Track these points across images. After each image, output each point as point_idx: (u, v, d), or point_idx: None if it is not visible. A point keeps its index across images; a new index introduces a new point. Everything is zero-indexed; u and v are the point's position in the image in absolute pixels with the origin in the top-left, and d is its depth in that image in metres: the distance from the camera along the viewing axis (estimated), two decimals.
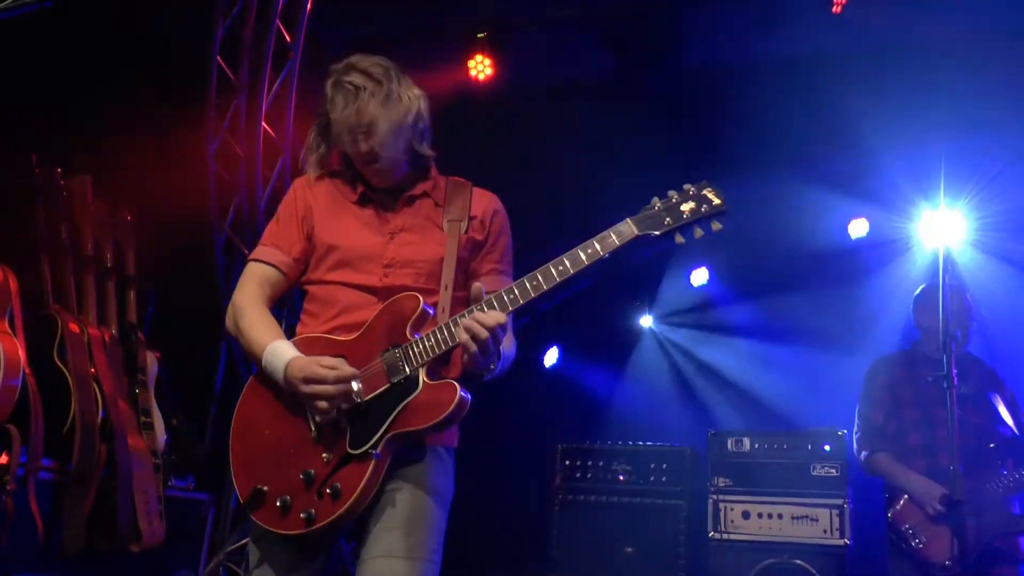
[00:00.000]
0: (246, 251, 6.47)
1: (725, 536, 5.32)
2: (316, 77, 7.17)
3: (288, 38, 6.49)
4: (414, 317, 2.44)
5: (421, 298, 2.45)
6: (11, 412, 3.87)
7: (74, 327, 4.44)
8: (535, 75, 7.33)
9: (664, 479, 5.62)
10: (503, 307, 2.38)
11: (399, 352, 2.41)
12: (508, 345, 2.54)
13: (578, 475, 5.79)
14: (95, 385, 4.39)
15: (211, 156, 6.21)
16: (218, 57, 6.11)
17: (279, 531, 2.40)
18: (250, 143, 6.48)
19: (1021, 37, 5.83)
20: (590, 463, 5.79)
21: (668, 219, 2.40)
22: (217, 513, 5.80)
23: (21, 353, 3.94)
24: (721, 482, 5.44)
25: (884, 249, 6.90)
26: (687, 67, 6.91)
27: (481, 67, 6.95)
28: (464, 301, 2.60)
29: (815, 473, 5.25)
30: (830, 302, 6.96)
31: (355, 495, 2.33)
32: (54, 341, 4.34)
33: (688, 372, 7.73)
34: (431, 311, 2.49)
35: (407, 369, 2.39)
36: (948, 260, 3.93)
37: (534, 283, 2.38)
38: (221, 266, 6.34)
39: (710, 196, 2.40)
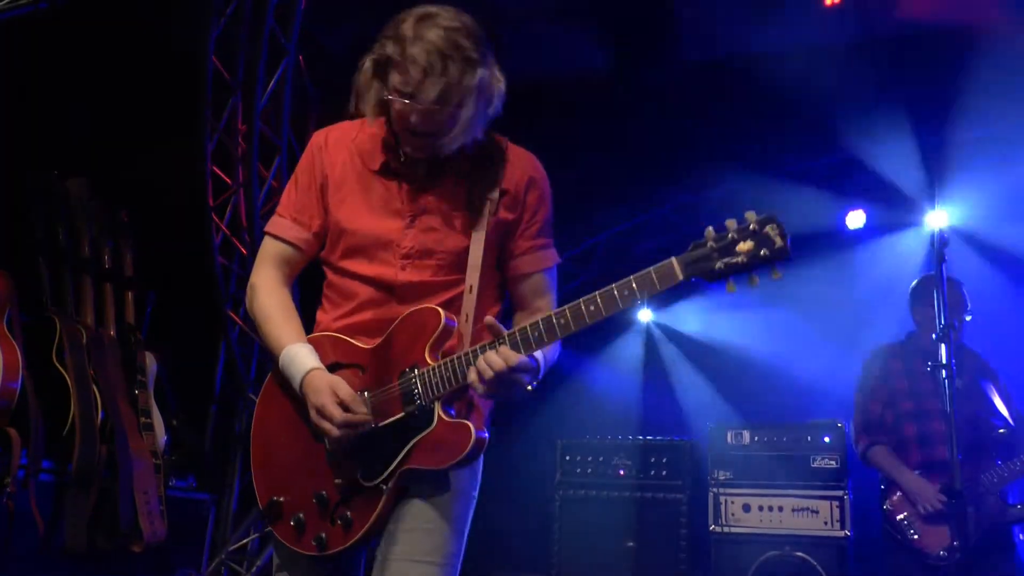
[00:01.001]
0: (244, 251, 6.47)
1: (726, 529, 5.33)
2: (312, 75, 7.19)
3: (283, 37, 6.48)
4: (434, 336, 2.26)
5: (443, 314, 2.26)
6: (11, 414, 3.88)
7: (73, 329, 4.44)
8: (531, 68, 7.32)
9: (664, 473, 5.64)
10: (526, 346, 2.17)
11: (415, 378, 2.25)
12: (549, 351, 2.33)
13: (579, 470, 5.80)
14: (94, 386, 4.39)
15: (208, 155, 6.21)
16: (213, 56, 6.10)
17: (295, 549, 2.34)
18: (246, 142, 6.48)
19: (1017, 27, 5.83)
20: (590, 458, 5.81)
21: (720, 263, 2.05)
22: (218, 513, 5.82)
23: (20, 356, 3.95)
24: (721, 475, 5.45)
25: (881, 240, 6.91)
26: (684, 60, 6.90)
27: None
28: (494, 300, 2.49)
29: (815, 465, 5.26)
30: (828, 293, 6.96)
31: (365, 528, 2.25)
32: (53, 343, 4.34)
33: (687, 366, 7.74)
34: (453, 324, 2.30)
35: (422, 401, 2.24)
36: (944, 252, 3.93)
37: (562, 321, 2.15)
38: (219, 266, 6.33)
39: (773, 236, 2.03)
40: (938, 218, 6.59)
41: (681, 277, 2.07)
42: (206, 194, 6.21)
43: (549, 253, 2.52)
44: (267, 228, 2.54)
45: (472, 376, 2.17)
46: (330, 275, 2.51)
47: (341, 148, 2.48)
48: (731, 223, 2.06)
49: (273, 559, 2.48)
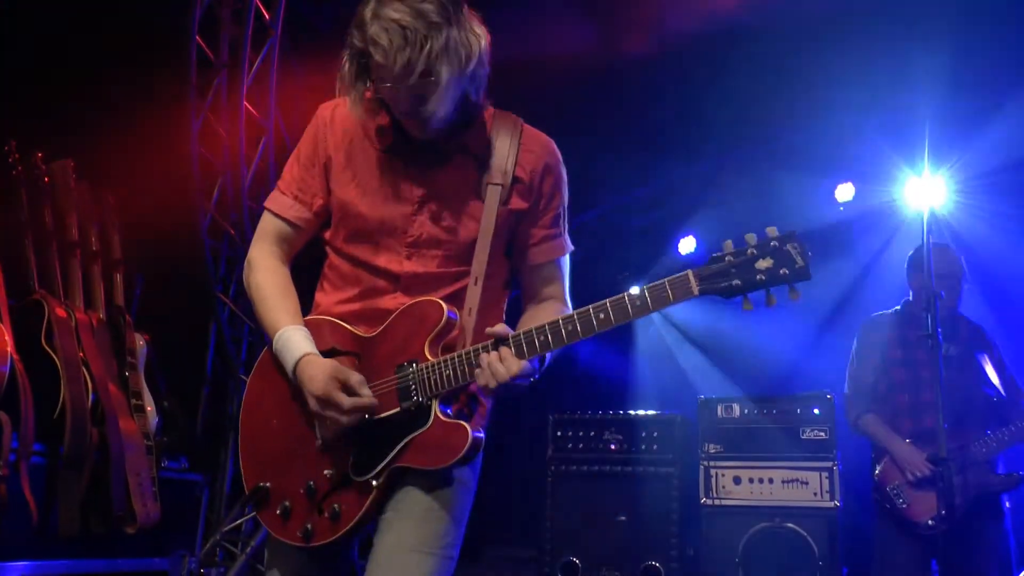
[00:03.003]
0: (232, 231, 6.45)
1: (717, 502, 5.37)
2: (297, 54, 7.14)
3: (267, 15, 6.43)
4: (436, 330, 2.21)
5: (445, 307, 2.22)
6: (1, 398, 3.87)
7: (61, 312, 4.43)
8: (516, 48, 7.28)
9: (655, 447, 5.66)
10: (531, 351, 2.12)
11: (413, 373, 2.20)
12: None
13: (570, 445, 5.82)
14: (84, 369, 4.39)
15: (193, 136, 6.17)
16: (197, 36, 6.06)
17: (280, 538, 2.30)
18: (232, 123, 6.43)
19: None
20: (582, 433, 5.83)
21: (738, 280, 2.01)
22: (212, 493, 5.83)
23: (8, 339, 3.94)
24: (712, 448, 5.49)
25: (871, 213, 6.92)
26: (668, 39, 6.87)
27: None
28: (501, 289, 2.44)
29: (804, 437, 5.30)
30: (818, 266, 6.95)
31: (353, 522, 2.21)
32: (41, 326, 4.33)
33: (677, 340, 7.76)
34: (455, 318, 2.24)
35: (419, 397, 2.19)
36: (936, 222, 3.94)
37: (569, 328, 2.10)
38: (207, 247, 6.31)
39: (793, 254, 1.99)
40: (927, 189, 6.61)
41: (696, 292, 2.04)
42: (193, 174, 6.17)
43: (562, 242, 2.46)
44: (267, 203, 2.48)
45: (480, 381, 2.14)
46: (332, 256, 2.46)
47: (349, 123, 2.40)
48: (751, 238, 2.03)
49: (265, 557, 2.43)
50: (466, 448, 2.13)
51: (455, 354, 2.19)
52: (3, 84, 4.89)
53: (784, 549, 5.13)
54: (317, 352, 2.28)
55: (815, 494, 5.18)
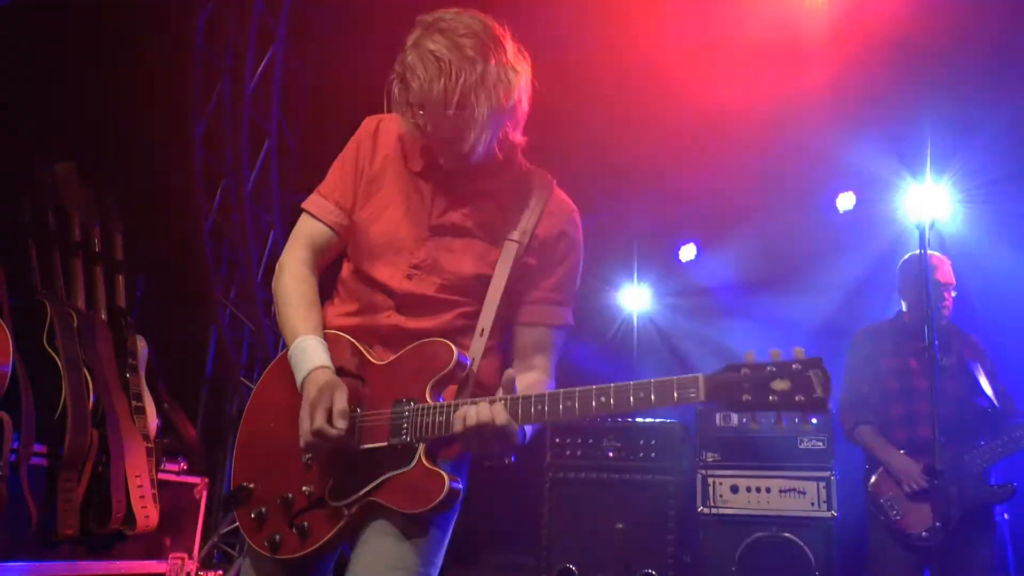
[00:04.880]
0: (233, 235, 6.47)
1: (714, 510, 5.37)
2: (300, 59, 7.17)
3: (271, 20, 6.45)
4: (441, 374, 2.20)
5: (456, 353, 2.20)
6: (1, 399, 3.88)
7: (63, 312, 4.45)
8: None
9: (653, 455, 5.66)
10: (524, 417, 2.08)
11: (408, 412, 2.19)
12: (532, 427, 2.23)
13: (568, 452, 5.82)
14: (85, 370, 4.40)
15: (197, 140, 6.20)
16: (201, 40, 6.09)
17: (248, 541, 2.33)
18: (235, 126, 6.46)
19: (1007, 8, 5.84)
20: (580, 440, 5.82)
21: (748, 396, 1.91)
22: (210, 496, 5.84)
23: (9, 339, 3.95)
24: (710, 457, 5.49)
25: (871, 222, 6.93)
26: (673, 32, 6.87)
27: None
28: (504, 348, 2.42)
29: (802, 446, 5.30)
30: (818, 275, 6.99)
31: (319, 544, 2.22)
32: (43, 327, 4.34)
33: (675, 347, 7.76)
34: (467, 363, 2.24)
35: (408, 437, 2.17)
36: (932, 233, 3.95)
37: (567, 404, 2.05)
38: (209, 249, 6.33)
39: (814, 383, 1.88)
40: (926, 199, 6.62)
41: (703, 399, 1.95)
42: (195, 178, 6.20)
43: (563, 312, 2.43)
44: (305, 205, 2.48)
45: (458, 427, 2.10)
46: (344, 268, 2.48)
47: (389, 139, 2.43)
48: (776, 354, 1.94)
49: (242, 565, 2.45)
50: (441, 497, 2.11)
51: (452, 402, 2.17)
52: (8, 86, 4.91)
53: (781, 558, 5.13)
54: (331, 367, 2.28)
55: (812, 504, 5.18)
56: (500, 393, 2.13)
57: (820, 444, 5.27)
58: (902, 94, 6.17)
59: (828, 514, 5.13)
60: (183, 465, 5.07)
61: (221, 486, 6.24)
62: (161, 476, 4.72)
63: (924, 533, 4.20)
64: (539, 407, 2.07)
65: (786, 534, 5.15)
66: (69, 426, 4.18)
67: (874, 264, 6.61)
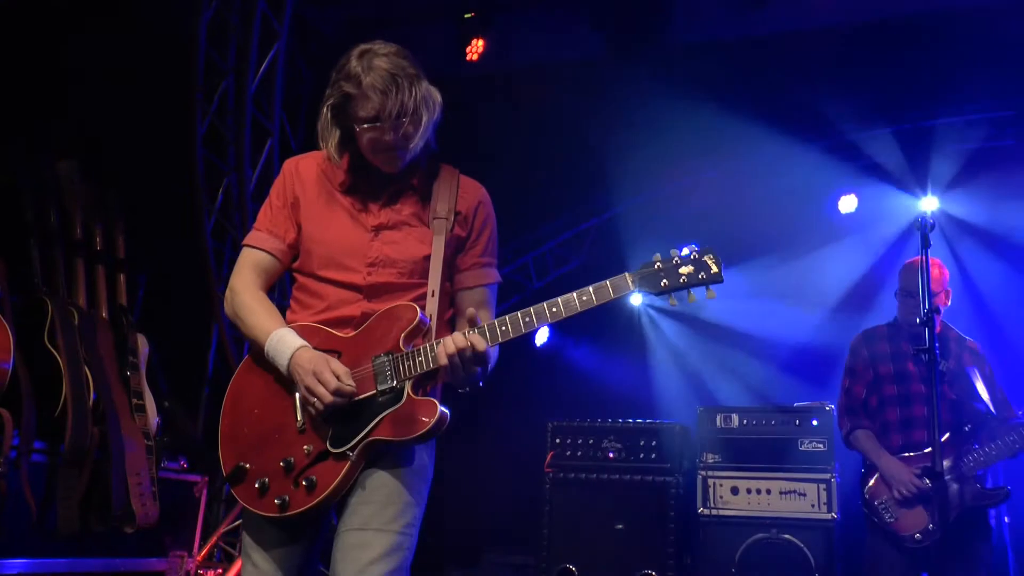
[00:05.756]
0: (236, 234, 6.48)
1: (714, 512, 5.37)
2: (303, 59, 7.18)
3: (275, 20, 6.47)
4: (409, 328, 2.52)
5: (419, 310, 2.53)
6: (2, 396, 3.89)
7: (64, 310, 4.46)
8: (525, 55, 7.33)
9: (654, 456, 5.66)
10: (493, 338, 2.46)
11: (388, 361, 2.49)
12: (492, 356, 2.60)
13: (569, 453, 5.82)
14: (86, 368, 4.41)
15: (199, 139, 6.21)
16: (204, 40, 6.10)
17: (254, 510, 2.52)
18: (238, 126, 6.48)
19: (1004, 12, 5.85)
20: (580, 440, 5.83)
21: (665, 281, 2.45)
22: (210, 494, 5.84)
23: (10, 337, 3.96)
24: (710, 458, 5.49)
25: (872, 224, 6.93)
26: (678, 44, 6.89)
27: (474, 48, 7.01)
28: (449, 305, 2.73)
29: (803, 448, 5.30)
30: (818, 277, 7.00)
31: (328, 491, 2.44)
32: (44, 325, 4.36)
33: (677, 349, 7.77)
34: (427, 321, 2.55)
35: (394, 380, 2.47)
36: (929, 236, 3.95)
37: (527, 319, 2.45)
38: (211, 249, 6.35)
39: (709, 264, 2.45)
40: (928, 202, 6.63)
41: (632, 287, 2.47)
42: (198, 177, 6.21)
43: (491, 271, 2.80)
44: (245, 241, 2.78)
45: (443, 360, 2.42)
46: (300, 280, 2.74)
47: (311, 172, 2.76)
48: (674, 252, 2.48)
49: (242, 540, 2.63)
50: (434, 420, 2.43)
51: (426, 344, 2.50)
52: (10, 85, 4.92)
53: (781, 560, 5.12)
54: (310, 346, 2.55)
55: (813, 506, 5.18)
56: (467, 329, 2.47)
57: (821, 446, 5.27)
58: (902, 94, 6.17)
59: (829, 516, 5.12)
60: (183, 463, 5.08)
61: (222, 484, 6.24)
62: (161, 474, 4.73)
63: (917, 535, 4.21)
64: (503, 328, 2.46)
65: (786, 536, 5.15)
66: (69, 423, 4.20)
67: (876, 265, 6.61)
